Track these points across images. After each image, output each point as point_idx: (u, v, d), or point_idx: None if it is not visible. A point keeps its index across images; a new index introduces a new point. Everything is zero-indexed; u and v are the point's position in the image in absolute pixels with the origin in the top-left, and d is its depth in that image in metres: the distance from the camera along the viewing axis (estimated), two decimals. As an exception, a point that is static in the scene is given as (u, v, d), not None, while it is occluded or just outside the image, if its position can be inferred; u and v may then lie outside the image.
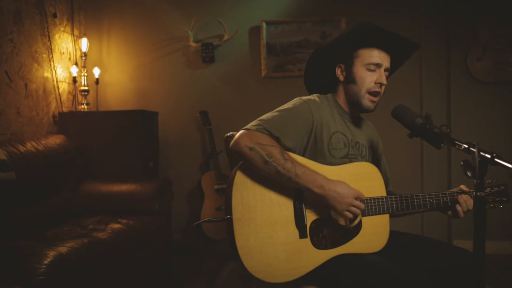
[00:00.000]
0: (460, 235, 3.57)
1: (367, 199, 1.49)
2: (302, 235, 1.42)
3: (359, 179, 1.51)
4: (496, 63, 3.53)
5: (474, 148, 1.15)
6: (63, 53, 3.61)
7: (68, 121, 3.41)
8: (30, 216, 2.56)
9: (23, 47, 3.10)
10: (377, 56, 1.55)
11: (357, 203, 1.40)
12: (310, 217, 1.45)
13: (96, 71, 3.77)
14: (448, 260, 1.47)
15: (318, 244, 1.43)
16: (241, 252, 1.36)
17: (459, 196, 1.54)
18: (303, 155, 1.52)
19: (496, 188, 1.56)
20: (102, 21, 3.93)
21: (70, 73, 3.67)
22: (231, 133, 1.65)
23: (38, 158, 2.70)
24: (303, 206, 1.44)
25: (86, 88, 3.67)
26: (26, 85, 3.13)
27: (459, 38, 3.62)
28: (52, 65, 3.44)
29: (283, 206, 1.43)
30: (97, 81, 3.77)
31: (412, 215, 1.79)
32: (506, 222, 3.51)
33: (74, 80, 3.64)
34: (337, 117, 1.60)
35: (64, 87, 3.61)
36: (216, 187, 3.46)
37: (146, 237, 2.79)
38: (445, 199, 1.54)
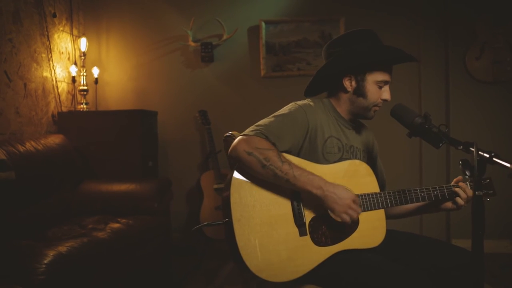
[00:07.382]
0: (459, 234, 3.58)
1: (361, 195, 1.51)
2: (302, 233, 1.43)
3: (351, 176, 1.54)
4: (494, 62, 3.54)
5: (473, 147, 1.15)
6: (62, 52, 3.61)
7: (67, 120, 3.41)
8: (29, 215, 2.56)
9: (22, 46, 3.10)
10: (387, 74, 1.59)
11: (355, 206, 1.41)
12: (308, 214, 1.45)
13: (95, 71, 3.77)
14: (447, 259, 1.48)
15: (318, 241, 1.44)
16: (243, 252, 1.35)
17: (457, 188, 1.54)
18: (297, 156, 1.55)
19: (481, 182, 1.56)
20: (101, 20, 3.92)
21: (69, 72, 3.67)
22: (230, 132, 1.65)
23: (38, 158, 2.70)
24: (301, 204, 1.44)
25: (85, 87, 3.67)
26: (25, 84, 3.13)
27: (458, 38, 3.62)
28: (51, 65, 3.44)
29: (281, 205, 1.43)
30: (96, 80, 3.77)
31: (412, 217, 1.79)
32: (505, 221, 3.53)
33: (73, 79, 3.63)
34: (333, 122, 1.62)
35: (63, 86, 3.61)
36: (215, 186, 3.46)
37: (145, 236, 2.79)
38: (435, 192, 1.55)
